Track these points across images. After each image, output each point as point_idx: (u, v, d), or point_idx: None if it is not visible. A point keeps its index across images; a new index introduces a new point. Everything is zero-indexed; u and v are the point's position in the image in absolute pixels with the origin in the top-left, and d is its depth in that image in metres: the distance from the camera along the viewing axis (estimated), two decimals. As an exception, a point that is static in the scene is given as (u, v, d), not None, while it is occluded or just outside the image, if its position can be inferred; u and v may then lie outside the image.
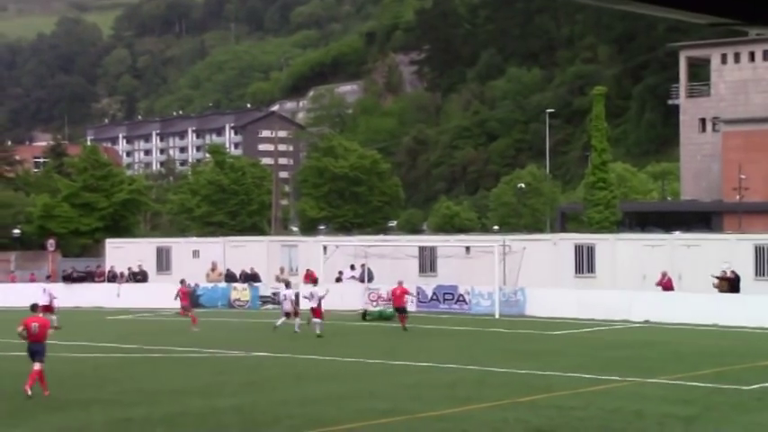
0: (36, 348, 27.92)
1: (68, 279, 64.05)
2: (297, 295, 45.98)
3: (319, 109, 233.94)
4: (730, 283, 48.80)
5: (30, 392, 26.97)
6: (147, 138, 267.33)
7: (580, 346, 39.44)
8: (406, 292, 46.94)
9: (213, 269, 61.54)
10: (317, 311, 43.33)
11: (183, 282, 50.46)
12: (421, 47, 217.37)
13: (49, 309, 44.25)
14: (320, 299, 43.70)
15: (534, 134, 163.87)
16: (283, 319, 44.46)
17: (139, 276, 63.17)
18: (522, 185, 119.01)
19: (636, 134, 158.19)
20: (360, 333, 44.68)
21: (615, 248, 55.20)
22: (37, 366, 27.54)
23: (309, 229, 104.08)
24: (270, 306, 57.03)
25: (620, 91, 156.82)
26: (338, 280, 57.70)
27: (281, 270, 61.09)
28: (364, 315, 50.55)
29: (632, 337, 42.58)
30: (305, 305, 44.93)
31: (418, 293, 54.82)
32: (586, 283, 54.20)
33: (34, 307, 30.21)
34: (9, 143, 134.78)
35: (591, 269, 55.19)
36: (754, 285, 49.47)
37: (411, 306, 53.01)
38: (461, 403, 26.12)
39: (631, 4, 10.27)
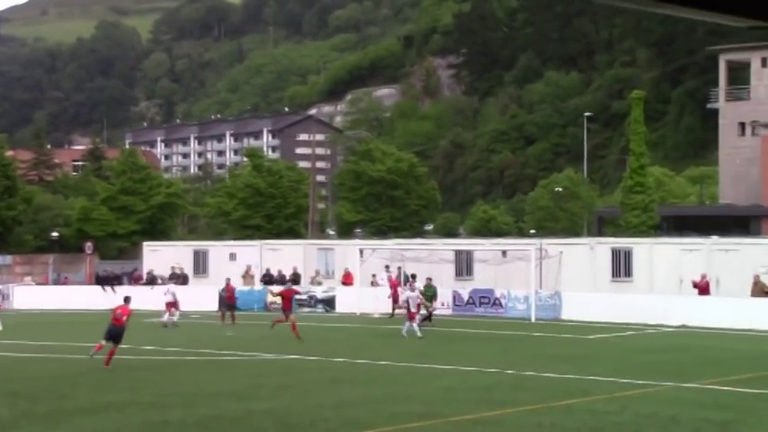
0: (117, 332, 33.48)
1: (102, 282, 64.37)
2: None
3: (357, 113, 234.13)
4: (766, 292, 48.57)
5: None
6: (185, 141, 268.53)
7: (616, 351, 39.34)
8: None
9: (247, 272, 61.78)
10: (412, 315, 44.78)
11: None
12: (459, 50, 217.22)
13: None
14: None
15: (572, 138, 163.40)
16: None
17: (180, 279, 63.40)
18: (560, 189, 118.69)
19: (674, 138, 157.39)
20: (395, 336, 44.67)
21: (652, 253, 55.03)
22: (113, 347, 33.13)
23: (346, 232, 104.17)
24: (306, 309, 57.11)
25: (658, 95, 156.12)
26: (373, 284, 57.76)
27: (317, 272, 61.24)
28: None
29: (668, 342, 42.42)
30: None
31: (454, 297, 54.89)
32: (623, 287, 54.08)
33: (127, 299, 35.87)
34: (48, 147, 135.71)
35: (628, 273, 55.05)
36: (793, 290, 49.21)
37: (447, 310, 53.22)
38: (497, 407, 26.09)
39: (670, 8, 10.23)
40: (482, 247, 61.35)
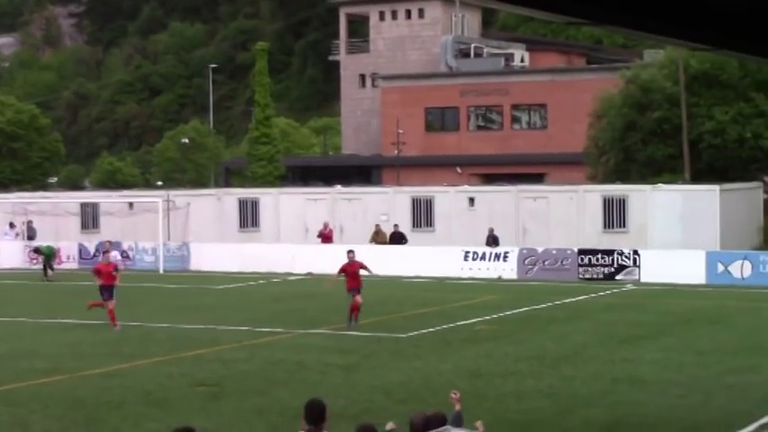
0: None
1: None
2: None
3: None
4: (392, 240, 50.26)
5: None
6: None
7: (244, 300, 39.83)
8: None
9: None
10: None
11: None
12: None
13: None
14: None
15: (198, 89, 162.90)
16: None
17: None
18: (186, 141, 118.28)
19: (298, 90, 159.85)
20: (19, 291, 43.47)
21: (279, 202, 55.90)
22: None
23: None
24: None
25: (282, 47, 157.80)
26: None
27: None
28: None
29: (295, 290, 43.30)
30: None
31: (80, 250, 53.95)
32: (251, 236, 54.69)
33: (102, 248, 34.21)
34: None
35: (255, 223, 55.70)
36: (412, 236, 51.23)
37: (72, 264, 52.36)
38: (126, 360, 25.94)
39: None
40: (108, 200, 60.48)
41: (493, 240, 48.40)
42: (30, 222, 56.85)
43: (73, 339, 29.72)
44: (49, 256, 48.92)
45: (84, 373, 24.18)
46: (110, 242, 43.40)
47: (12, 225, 56.58)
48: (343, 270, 32.34)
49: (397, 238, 50.35)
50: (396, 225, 50.87)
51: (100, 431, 19.10)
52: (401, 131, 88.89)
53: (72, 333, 31.12)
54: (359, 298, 31.65)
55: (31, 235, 55.79)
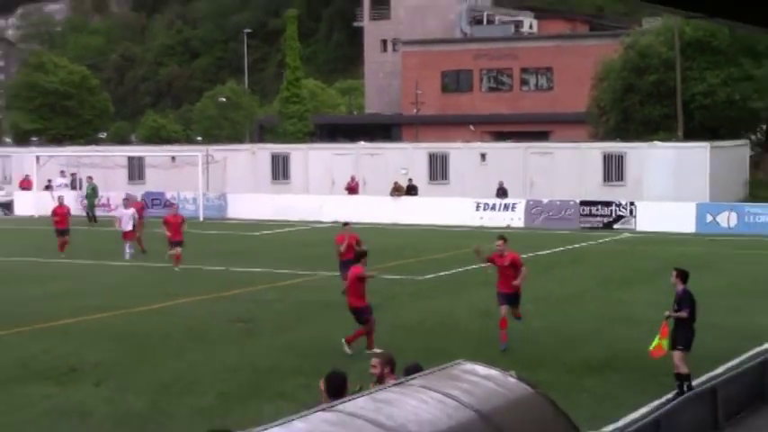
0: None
1: None
2: None
3: (28, 26, 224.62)
4: (408, 191, 50.45)
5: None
6: None
7: (277, 245, 40.12)
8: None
9: None
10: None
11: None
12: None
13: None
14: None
15: (233, 52, 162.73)
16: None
17: None
18: (223, 100, 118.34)
19: (325, 53, 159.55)
20: (74, 236, 43.78)
21: (308, 157, 56.08)
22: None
23: (23, 140, 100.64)
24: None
25: (311, 13, 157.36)
26: (47, 188, 56.09)
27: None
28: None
29: (322, 237, 43.42)
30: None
31: (128, 199, 54.24)
32: (282, 188, 54.94)
33: (345, 224, 27.46)
34: None
35: (286, 176, 55.96)
36: (429, 188, 51.38)
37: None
38: (170, 298, 26.24)
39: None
40: (153, 153, 60.77)
41: (502, 192, 48.50)
42: (74, 174, 57.35)
43: (121, 280, 30.05)
44: (91, 196, 49.75)
45: (133, 310, 24.51)
46: (127, 198, 42.34)
47: (62, 173, 57.00)
48: (491, 261, 22.07)
49: (412, 190, 50.59)
50: (410, 179, 51.08)
51: (147, 361, 19.42)
52: (419, 92, 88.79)
53: (121, 274, 31.46)
54: (509, 310, 21.02)
55: (81, 185, 56.12)
